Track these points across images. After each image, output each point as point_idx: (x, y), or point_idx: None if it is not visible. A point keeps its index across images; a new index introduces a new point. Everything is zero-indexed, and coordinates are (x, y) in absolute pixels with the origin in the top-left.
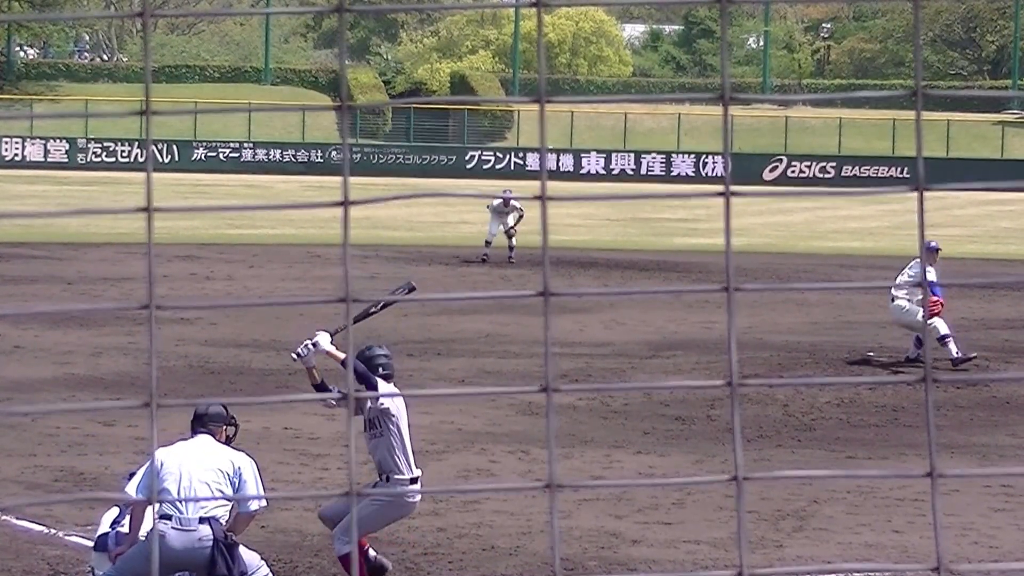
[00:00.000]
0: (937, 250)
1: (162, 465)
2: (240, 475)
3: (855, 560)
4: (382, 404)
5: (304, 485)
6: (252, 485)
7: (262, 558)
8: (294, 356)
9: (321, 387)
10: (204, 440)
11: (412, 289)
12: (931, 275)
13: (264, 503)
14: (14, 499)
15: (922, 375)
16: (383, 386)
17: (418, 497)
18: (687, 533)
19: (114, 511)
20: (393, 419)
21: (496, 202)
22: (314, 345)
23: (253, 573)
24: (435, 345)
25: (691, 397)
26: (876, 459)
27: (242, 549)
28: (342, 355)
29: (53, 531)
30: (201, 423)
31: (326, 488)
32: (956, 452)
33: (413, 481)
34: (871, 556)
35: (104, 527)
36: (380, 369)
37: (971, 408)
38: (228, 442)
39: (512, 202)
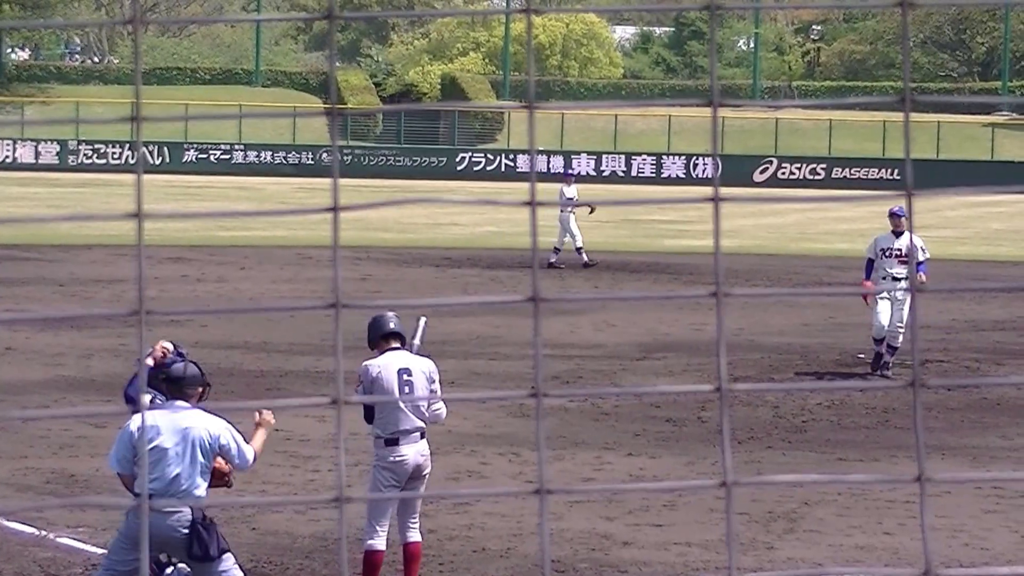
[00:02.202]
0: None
1: (140, 442)
2: (225, 443)
3: (846, 562)
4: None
5: (295, 487)
6: (234, 449)
7: (252, 559)
8: None
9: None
10: (180, 409)
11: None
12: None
13: (251, 460)
14: (5, 501)
15: (911, 379)
16: (388, 357)
17: (405, 454)
18: (678, 535)
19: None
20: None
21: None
22: None
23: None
24: (426, 346)
25: (682, 399)
26: (867, 461)
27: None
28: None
29: (44, 533)
30: (178, 388)
31: (316, 491)
32: (947, 454)
33: (390, 441)
34: (862, 558)
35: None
36: (386, 336)
37: (962, 410)
38: (201, 400)
39: (573, 185)
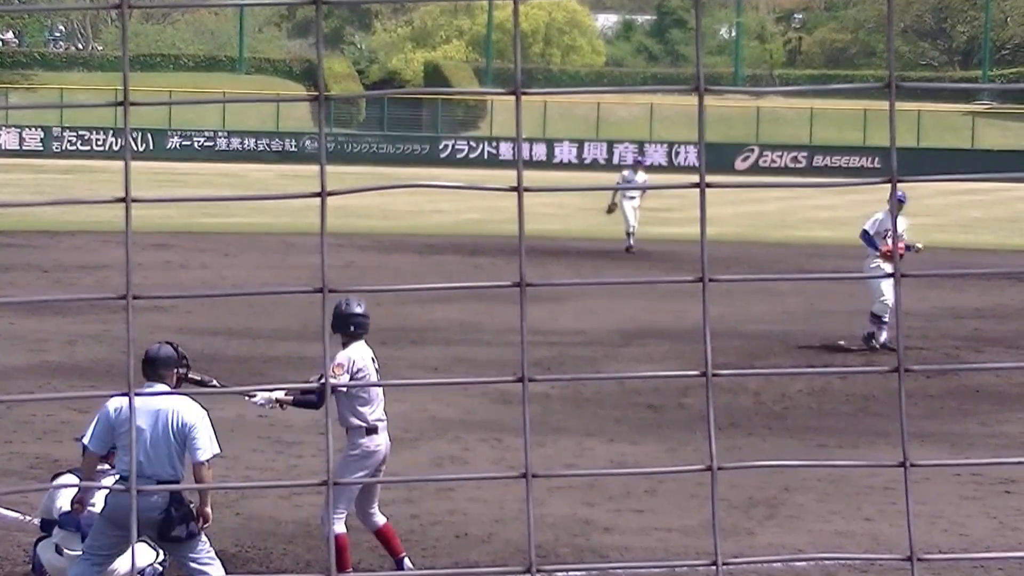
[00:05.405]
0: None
1: (117, 421)
2: (192, 430)
3: (826, 548)
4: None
5: (278, 473)
6: (204, 438)
7: (236, 544)
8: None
9: (299, 401)
10: (157, 392)
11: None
12: (901, 225)
13: (216, 450)
14: None
15: (895, 365)
16: (359, 347)
17: (381, 445)
18: (659, 521)
19: (71, 487)
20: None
21: (625, 173)
22: (264, 403)
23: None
24: (409, 333)
25: (663, 385)
26: (847, 447)
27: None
28: (287, 398)
29: (28, 518)
30: (153, 369)
31: (300, 476)
32: (926, 440)
33: (371, 430)
34: (842, 544)
35: (64, 503)
36: (353, 328)
37: (941, 396)
38: (179, 383)
39: (641, 172)
